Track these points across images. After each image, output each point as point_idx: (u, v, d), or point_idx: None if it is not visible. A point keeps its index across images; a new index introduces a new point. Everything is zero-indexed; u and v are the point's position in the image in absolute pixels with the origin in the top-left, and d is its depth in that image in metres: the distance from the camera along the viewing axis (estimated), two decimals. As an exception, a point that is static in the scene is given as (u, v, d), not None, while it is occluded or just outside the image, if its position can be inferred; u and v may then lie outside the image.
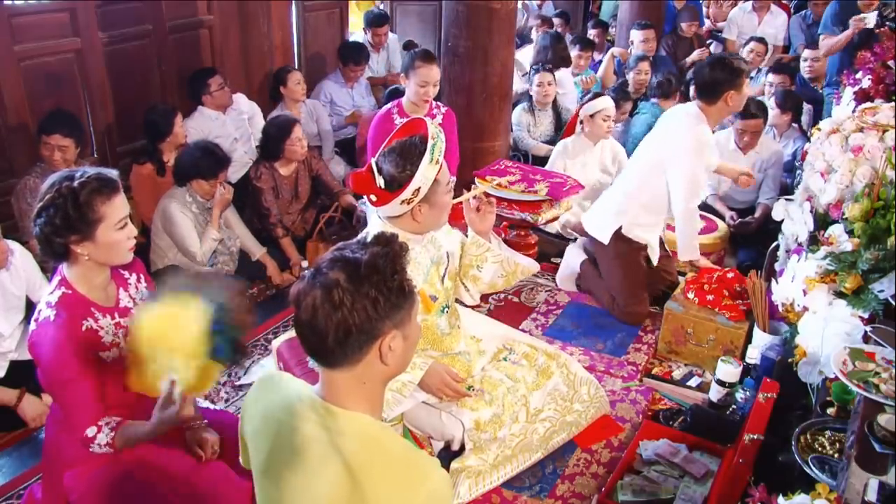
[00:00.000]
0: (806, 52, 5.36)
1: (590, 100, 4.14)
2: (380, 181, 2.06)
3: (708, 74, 3.11)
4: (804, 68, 5.30)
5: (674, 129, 3.19)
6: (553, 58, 5.23)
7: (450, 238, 2.42)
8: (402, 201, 2.06)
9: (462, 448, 2.38)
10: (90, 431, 1.84)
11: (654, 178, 3.22)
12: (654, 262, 3.38)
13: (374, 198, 2.09)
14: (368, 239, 1.31)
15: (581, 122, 4.20)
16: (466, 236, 2.44)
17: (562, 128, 4.92)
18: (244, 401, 1.43)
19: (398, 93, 4.08)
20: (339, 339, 1.22)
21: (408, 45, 5.29)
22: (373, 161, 2.10)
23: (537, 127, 4.94)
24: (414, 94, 3.39)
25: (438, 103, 3.56)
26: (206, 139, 3.72)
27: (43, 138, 3.22)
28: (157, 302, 1.76)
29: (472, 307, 2.81)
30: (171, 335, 1.72)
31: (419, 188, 2.05)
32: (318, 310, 1.21)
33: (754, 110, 4.08)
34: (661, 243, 3.43)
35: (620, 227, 3.30)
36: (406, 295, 1.27)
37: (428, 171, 2.03)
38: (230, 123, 4.29)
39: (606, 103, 3.99)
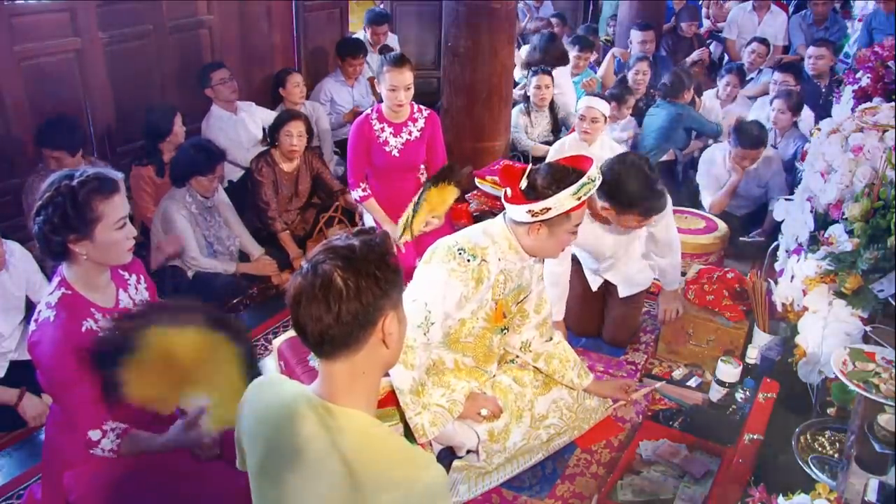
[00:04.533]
0: (811, 50, 5.31)
1: None
2: (524, 183, 2.17)
3: None
4: (808, 65, 5.25)
5: None
6: (546, 59, 5.18)
7: (539, 279, 2.51)
8: (529, 211, 2.16)
9: (467, 451, 2.39)
10: (93, 435, 1.84)
11: None
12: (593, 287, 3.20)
13: (509, 193, 2.21)
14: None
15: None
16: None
17: (559, 129, 4.91)
18: (239, 404, 1.43)
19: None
20: (344, 321, 1.22)
21: (383, 50, 5.30)
22: (531, 167, 2.23)
23: (534, 128, 4.92)
24: (386, 98, 3.34)
25: (420, 106, 3.50)
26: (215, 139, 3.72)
27: (45, 152, 3.21)
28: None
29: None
30: (209, 366, 1.78)
31: (550, 209, 2.14)
32: (322, 294, 1.21)
33: (761, 137, 3.94)
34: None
35: None
36: (399, 274, 1.30)
37: (565, 201, 2.13)
38: (240, 125, 4.28)
39: (585, 104, 3.92)
